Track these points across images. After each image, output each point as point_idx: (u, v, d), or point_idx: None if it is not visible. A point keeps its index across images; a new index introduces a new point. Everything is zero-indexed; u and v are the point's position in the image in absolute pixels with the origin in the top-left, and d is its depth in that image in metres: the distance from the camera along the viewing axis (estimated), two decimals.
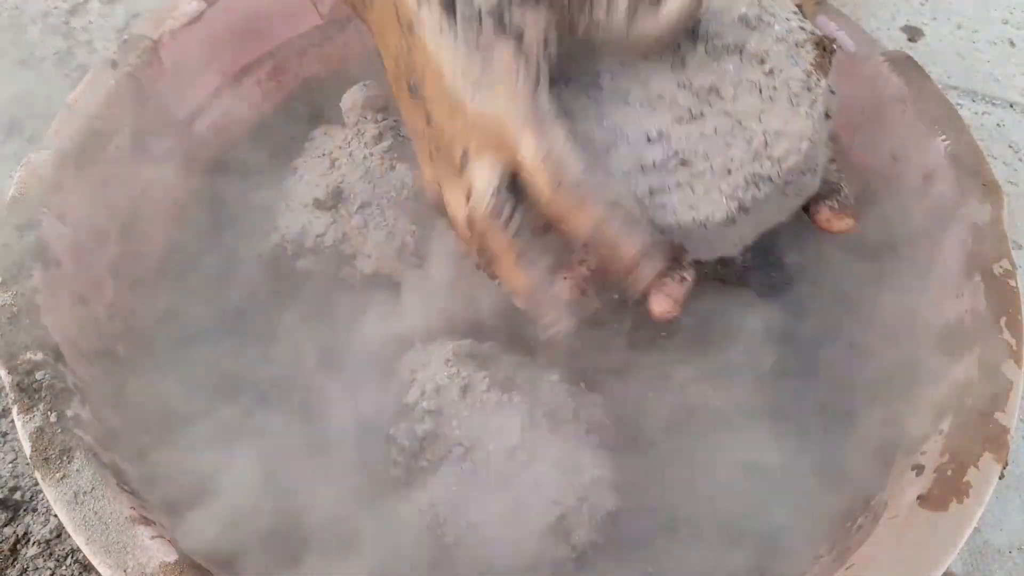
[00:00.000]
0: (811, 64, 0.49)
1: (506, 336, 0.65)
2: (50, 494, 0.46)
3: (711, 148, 0.47)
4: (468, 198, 0.39)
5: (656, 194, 0.46)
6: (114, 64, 0.67)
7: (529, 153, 0.37)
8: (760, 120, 0.47)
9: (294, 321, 0.71)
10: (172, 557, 0.45)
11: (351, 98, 0.74)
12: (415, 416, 0.54)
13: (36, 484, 0.69)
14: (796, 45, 0.49)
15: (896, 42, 1.07)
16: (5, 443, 0.71)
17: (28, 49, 1.04)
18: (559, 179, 0.37)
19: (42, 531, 0.66)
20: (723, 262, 0.72)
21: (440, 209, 0.44)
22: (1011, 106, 1.01)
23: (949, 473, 0.49)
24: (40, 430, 0.48)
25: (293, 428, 0.65)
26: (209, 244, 0.76)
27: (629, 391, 0.66)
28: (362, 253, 0.65)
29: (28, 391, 0.49)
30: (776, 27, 0.50)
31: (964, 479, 0.48)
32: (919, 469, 0.52)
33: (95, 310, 0.61)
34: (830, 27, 0.73)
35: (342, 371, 0.68)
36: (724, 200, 0.46)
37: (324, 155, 0.69)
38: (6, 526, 0.66)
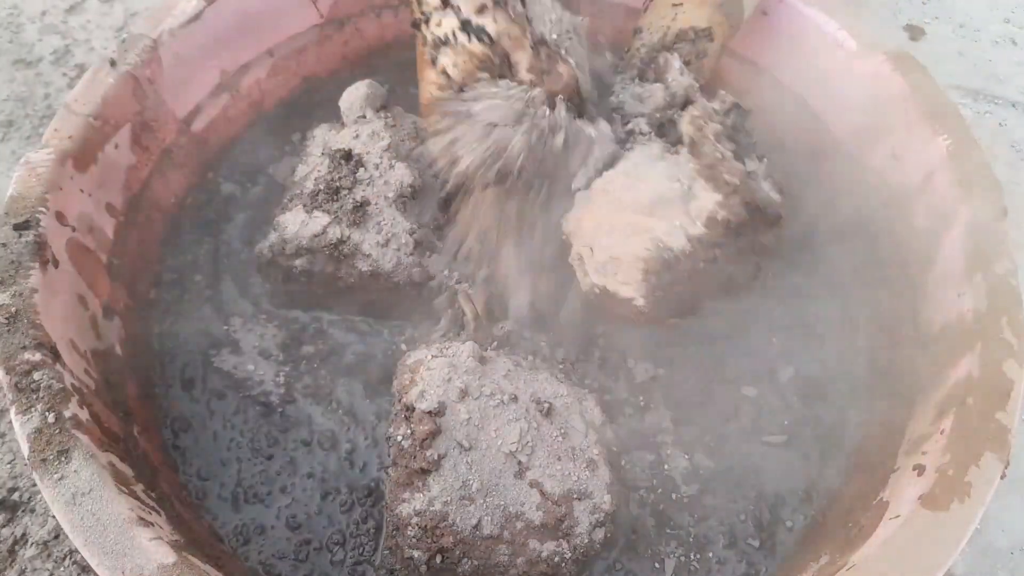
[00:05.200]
0: None
1: (507, 335, 0.65)
2: (48, 495, 0.46)
3: None
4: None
5: None
6: (113, 63, 0.67)
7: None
8: None
9: (292, 321, 0.71)
10: (170, 559, 0.45)
11: (350, 97, 0.74)
12: (415, 417, 0.54)
13: (34, 485, 0.68)
14: None
15: (898, 41, 1.07)
16: (3, 444, 0.71)
17: (26, 48, 1.03)
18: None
19: (40, 532, 0.66)
20: None
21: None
22: (1013, 105, 1.00)
23: (950, 473, 0.48)
24: (38, 431, 0.48)
25: (292, 429, 0.65)
26: (208, 243, 0.76)
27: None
28: (360, 252, 0.65)
29: (26, 391, 0.49)
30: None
31: (965, 479, 0.48)
32: (920, 469, 0.51)
33: (93, 310, 0.61)
34: (831, 25, 0.73)
35: (342, 370, 0.68)
36: None
37: (323, 154, 0.69)
38: (4, 527, 0.66)
